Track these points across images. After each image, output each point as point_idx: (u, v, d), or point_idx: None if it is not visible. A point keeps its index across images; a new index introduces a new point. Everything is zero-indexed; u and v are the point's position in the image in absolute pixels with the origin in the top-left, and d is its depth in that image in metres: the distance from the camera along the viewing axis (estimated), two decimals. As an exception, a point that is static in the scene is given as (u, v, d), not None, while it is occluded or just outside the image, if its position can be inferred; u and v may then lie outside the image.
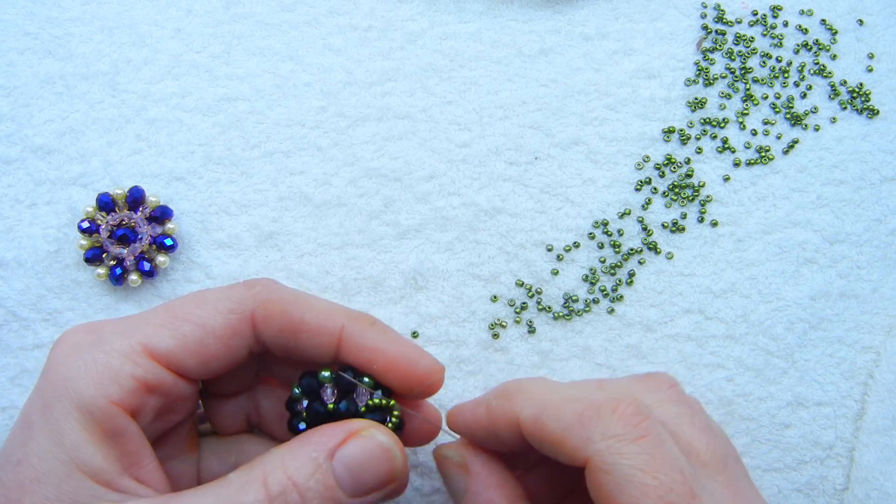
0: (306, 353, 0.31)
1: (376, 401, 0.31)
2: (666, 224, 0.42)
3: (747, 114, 0.43)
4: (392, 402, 0.31)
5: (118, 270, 0.39)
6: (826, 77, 0.43)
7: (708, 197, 0.42)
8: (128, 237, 0.39)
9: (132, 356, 0.29)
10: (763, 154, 0.42)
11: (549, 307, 0.41)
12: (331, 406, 0.31)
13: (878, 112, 0.43)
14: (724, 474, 0.29)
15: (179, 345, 0.30)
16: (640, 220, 0.42)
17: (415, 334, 0.40)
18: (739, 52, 0.43)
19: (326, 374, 0.31)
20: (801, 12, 0.44)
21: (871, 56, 0.44)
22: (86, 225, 0.39)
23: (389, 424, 0.31)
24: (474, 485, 0.31)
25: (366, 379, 0.31)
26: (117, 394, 0.28)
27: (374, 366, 0.31)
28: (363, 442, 0.29)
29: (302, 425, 0.31)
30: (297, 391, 0.31)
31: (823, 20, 0.44)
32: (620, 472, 0.27)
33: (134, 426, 0.29)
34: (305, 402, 0.31)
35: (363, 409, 0.31)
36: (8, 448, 0.29)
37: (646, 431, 0.28)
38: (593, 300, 0.41)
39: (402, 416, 0.32)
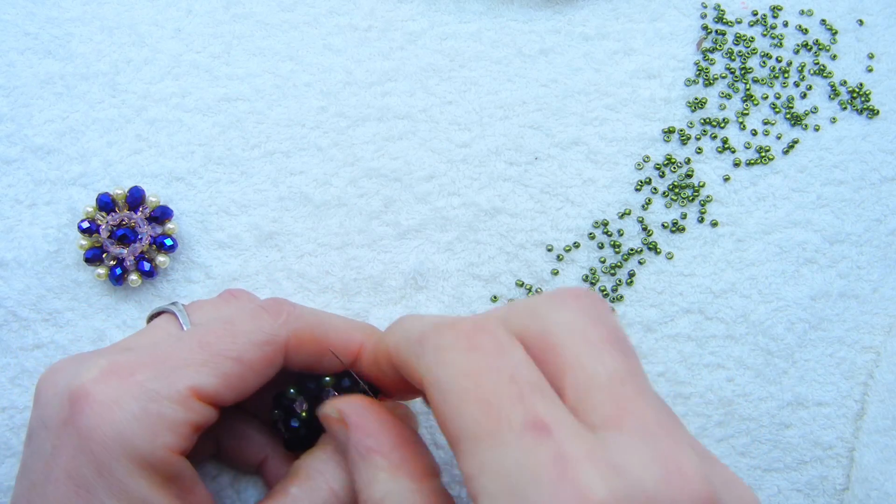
0: (325, 369, 0.33)
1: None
2: (666, 224, 0.42)
3: (747, 114, 0.43)
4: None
5: (118, 270, 0.39)
6: (826, 77, 0.43)
7: (708, 197, 0.42)
8: (128, 237, 0.39)
9: (183, 402, 0.29)
10: (763, 154, 0.42)
11: (549, 307, 0.41)
12: (303, 414, 0.33)
13: (878, 112, 0.43)
14: (609, 392, 0.24)
15: (223, 383, 0.30)
16: (640, 220, 0.42)
17: (415, 334, 0.40)
18: (739, 52, 0.43)
19: (292, 391, 0.33)
20: (801, 12, 0.44)
21: (871, 56, 0.44)
22: (86, 225, 0.39)
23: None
24: (354, 436, 0.29)
25: (326, 378, 0.33)
26: (174, 441, 0.29)
27: (390, 382, 0.32)
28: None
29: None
30: (275, 413, 0.34)
31: (823, 20, 0.44)
32: (444, 382, 0.25)
33: (189, 465, 0.29)
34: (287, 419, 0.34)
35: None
36: None
37: (480, 343, 0.25)
38: (593, 300, 0.41)
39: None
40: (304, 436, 0.33)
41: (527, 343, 0.26)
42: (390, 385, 0.31)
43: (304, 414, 0.33)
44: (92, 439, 0.28)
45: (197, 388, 0.29)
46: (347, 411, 0.29)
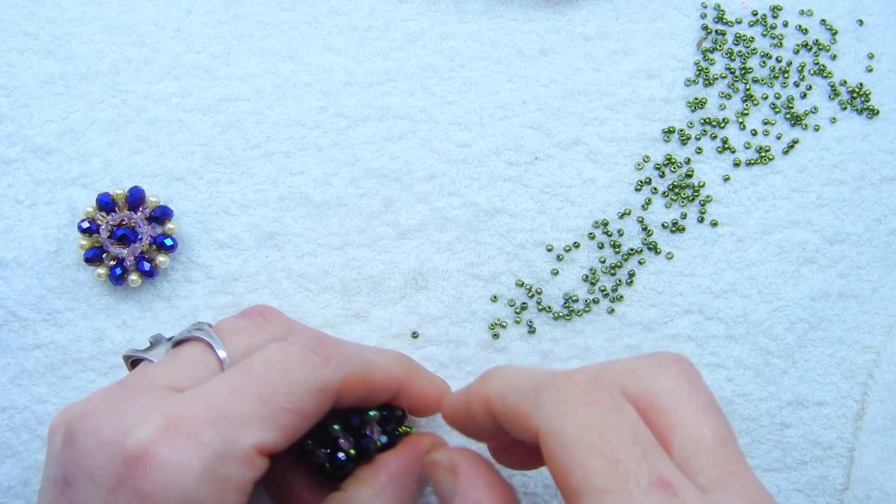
0: (367, 404, 0.34)
1: (402, 429, 0.35)
2: (666, 224, 0.42)
3: (747, 114, 0.43)
4: (402, 419, 0.36)
5: (118, 270, 0.39)
6: (826, 77, 0.43)
7: (708, 197, 0.42)
8: (128, 237, 0.39)
9: (249, 461, 0.28)
10: (763, 154, 0.42)
11: (549, 307, 0.41)
12: (353, 451, 0.33)
13: (878, 112, 0.43)
14: (716, 455, 0.26)
15: (283, 436, 0.29)
16: (640, 220, 0.42)
17: (415, 334, 0.40)
18: (739, 52, 0.43)
19: (336, 427, 0.33)
20: (801, 12, 0.44)
21: (871, 56, 0.44)
22: (86, 225, 0.39)
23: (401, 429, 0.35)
24: (463, 486, 0.30)
25: (371, 413, 0.34)
26: (238, 500, 0.28)
27: (416, 405, 0.35)
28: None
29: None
30: (309, 443, 0.33)
31: (823, 20, 0.44)
32: (567, 434, 0.25)
33: None
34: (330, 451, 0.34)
35: (384, 438, 0.34)
36: None
37: (600, 398, 0.26)
38: (593, 300, 0.41)
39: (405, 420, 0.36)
40: (350, 471, 0.33)
41: (632, 402, 0.27)
42: (480, 434, 0.32)
43: (353, 451, 0.33)
44: (149, 500, 0.27)
45: (261, 447, 0.29)
46: (460, 462, 0.31)
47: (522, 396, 0.27)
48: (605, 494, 0.24)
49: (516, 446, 0.32)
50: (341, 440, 0.33)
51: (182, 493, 0.27)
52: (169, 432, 0.27)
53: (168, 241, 0.39)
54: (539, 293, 0.41)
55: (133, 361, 0.34)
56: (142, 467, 0.27)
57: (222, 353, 0.31)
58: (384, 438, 0.34)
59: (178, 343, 0.32)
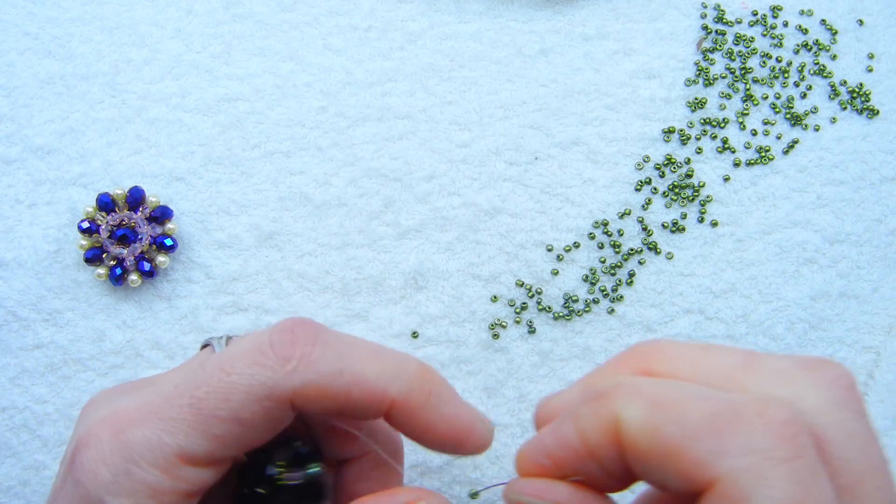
0: (347, 418, 0.29)
1: (309, 469, 0.29)
2: (666, 224, 0.42)
3: (747, 114, 0.43)
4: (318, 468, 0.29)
5: (118, 270, 0.39)
6: (826, 77, 0.43)
7: (708, 197, 0.42)
8: (128, 237, 0.39)
9: (169, 470, 0.26)
10: (763, 154, 0.42)
11: (549, 307, 0.41)
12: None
13: (878, 112, 0.43)
14: None
15: (216, 445, 0.26)
16: (640, 220, 0.42)
17: (415, 334, 0.40)
18: (739, 52, 0.43)
19: (277, 468, 0.29)
20: (801, 12, 0.44)
21: (871, 56, 0.44)
22: (86, 225, 0.39)
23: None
24: None
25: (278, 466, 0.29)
26: None
27: (421, 439, 0.28)
28: None
29: None
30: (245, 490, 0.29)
31: (823, 20, 0.44)
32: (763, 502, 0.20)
33: None
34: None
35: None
36: None
37: (801, 451, 0.20)
38: (593, 300, 0.41)
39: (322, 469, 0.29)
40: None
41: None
42: (589, 476, 0.25)
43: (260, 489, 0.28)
44: (79, 492, 0.26)
45: (187, 454, 0.26)
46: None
47: (691, 433, 0.21)
48: None
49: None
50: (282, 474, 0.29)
51: (99, 486, 0.26)
52: (104, 425, 0.27)
53: (168, 241, 0.39)
54: (539, 293, 0.41)
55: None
56: (79, 452, 0.27)
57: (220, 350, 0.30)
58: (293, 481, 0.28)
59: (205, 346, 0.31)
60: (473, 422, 0.28)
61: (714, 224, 0.42)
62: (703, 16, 0.44)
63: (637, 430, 0.22)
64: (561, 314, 0.41)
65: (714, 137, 0.43)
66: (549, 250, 0.41)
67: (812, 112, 0.43)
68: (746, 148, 0.42)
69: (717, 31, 0.44)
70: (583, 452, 0.24)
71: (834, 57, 0.44)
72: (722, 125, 0.43)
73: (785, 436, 0.20)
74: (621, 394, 0.23)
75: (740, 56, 0.43)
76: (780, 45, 0.44)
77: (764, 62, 0.43)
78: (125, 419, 0.27)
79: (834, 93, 0.43)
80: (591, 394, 0.24)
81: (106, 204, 0.39)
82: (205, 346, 0.32)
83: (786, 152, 0.42)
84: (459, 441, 0.28)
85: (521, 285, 0.41)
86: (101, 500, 0.26)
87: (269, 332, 0.27)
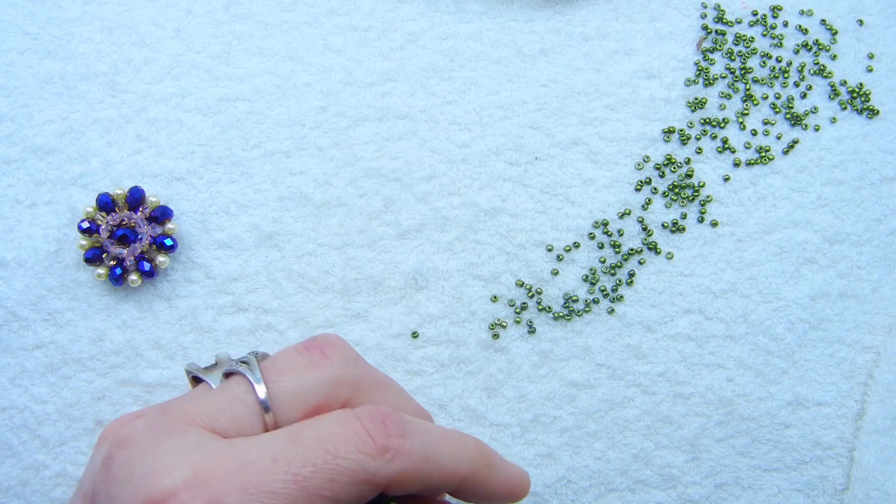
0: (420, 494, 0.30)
1: None
2: (666, 224, 0.42)
3: (747, 114, 0.43)
4: None
5: (118, 270, 0.39)
6: (826, 77, 0.43)
7: (708, 197, 0.42)
8: (128, 237, 0.39)
9: None
10: (763, 154, 0.42)
11: (550, 307, 0.41)
12: None
13: (878, 112, 0.43)
14: None
15: None
16: (640, 220, 0.42)
17: (415, 334, 0.40)
18: (739, 52, 0.43)
19: None
20: (801, 12, 0.44)
21: (871, 56, 0.44)
22: (86, 225, 0.39)
23: None
24: None
25: None
26: None
27: (480, 501, 0.32)
28: None
29: None
30: None
31: (823, 20, 0.44)
32: None
33: None
34: None
35: None
36: None
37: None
38: (593, 300, 0.41)
39: None
40: None
41: None
42: None
43: None
44: None
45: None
46: None
47: None
48: None
49: None
50: None
51: None
52: (193, 489, 0.26)
53: (168, 241, 0.39)
54: (539, 293, 0.41)
55: (193, 378, 0.32)
56: None
57: (262, 394, 0.29)
58: None
59: (229, 374, 0.31)
60: (520, 477, 0.32)
61: (714, 224, 0.42)
62: (703, 16, 0.44)
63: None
64: (561, 314, 0.41)
65: (714, 137, 0.43)
66: (549, 250, 0.41)
67: (812, 112, 0.43)
68: (746, 148, 0.42)
69: (717, 31, 0.44)
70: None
71: (834, 57, 0.44)
72: (722, 125, 0.43)
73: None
74: None
75: (740, 56, 0.43)
76: (780, 45, 0.44)
77: (764, 62, 0.43)
78: (216, 485, 0.26)
79: (834, 93, 0.43)
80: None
81: (106, 204, 0.39)
82: (192, 376, 0.31)
83: (786, 152, 0.42)
84: (514, 496, 0.32)
85: (521, 285, 0.41)
86: None
87: (359, 418, 0.28)
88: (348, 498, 0.27)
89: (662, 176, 0.42)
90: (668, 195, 0.42)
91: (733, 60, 0.43)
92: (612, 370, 0.40)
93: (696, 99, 0.43)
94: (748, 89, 0.43)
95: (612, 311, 0.41)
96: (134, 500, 0.27)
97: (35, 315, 0.39)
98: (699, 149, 0.42)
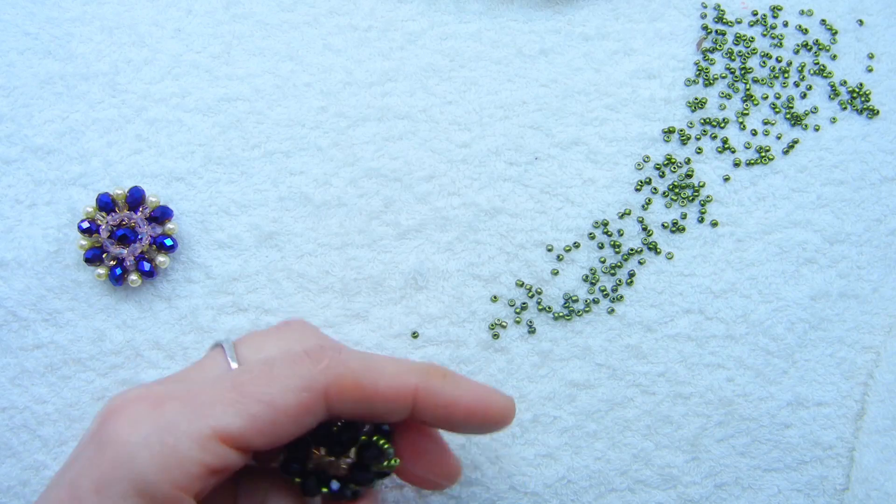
0: (380, 418, 0.31)
1: (386, 464, 0.31)
2: (666, 224, 0.42)
3: (747, 114, 0.43)
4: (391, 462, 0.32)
5: (118, 270, 0.39)
6: (826, 77, 0.43)
7: (708, 197, 0.42)
8: (128, 237, 0.39)
9: (202, 441, 0.27)
10: (763, 154, 0.42)
11: (550, 307, 0.41)
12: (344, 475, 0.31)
13: (878, 112, 0.43)
14: None
15: (250, 426, 0.28)
16: (640, 220, 0.42)
17: (415, 334, 0.40)
18: (739, 52, 0.43)
19: (325, 453, 0.31)
20: (801, 12, 0.44)
21: (871, 56, 0.44)
22: (86, 225, 0.39)
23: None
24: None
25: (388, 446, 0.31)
26: (184, 480, 0.27)
27: (451, 418, 0.31)
28: None
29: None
30: (294, 466, 0.31)
31: (823, 20, 0.44)
32: None
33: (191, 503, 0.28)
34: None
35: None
36: None
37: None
38: (593, 300, 0.41)
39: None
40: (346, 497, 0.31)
41: None
42: None
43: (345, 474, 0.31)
44: (105, 455, 0.28)
45: (221, 430, 0.28)
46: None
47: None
48: None
49: None
50: (330, 465, 0.31)
51: (128, 451, 0.27)
52: (141, 398, 0.29)
53: (168, 241, 0.39)
54: (539, 293, 0.41)
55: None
56: (108, 420, 0.28)
57: (231, 355, 0.32)
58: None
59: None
60: (491, 391, 0.31)
61: (714, 224, 0.42)
62: (703, 16, 0.44)
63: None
64: (561, 314, 0.41)
65: (714, 137, 0.43)
66: (549, 250, 0.41)
67: (812, 112, 0.43)
68: (746, 148, 0.42)
69: (717, 31, 0.44)
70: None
71: (834, 57, 0.44)
72: (722, 125, 0.43)
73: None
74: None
75: (740, 56, 0.43)
76: (780, 45, 0.44)
77: (764, 62, 0.43)
78: (163, 395, 0.29)
79: (834, 93, 0.43)
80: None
81: (106, 204, 0.39)
82: (216, 345, 0.33)
83: (786, 152, 0.42)
84: (484, 409, 0.31)
85: (521, 285, 0.41)
86: (130, 462, 0.27)
87: (305, 342, 0.32)
88: (286, 405, 0.29)
89: (662, 176, 0.42)
90: (668, 195, 0.42)
91: (733, 60, 0.43)
92: (612, 370, 0.40)
93: (696, 99, 0.43)
94: (748, 89, 0.43)
95: (612, 311, 0.41)
96: (97, 418, 0.29)
97: (35, 315, 0.39)
98: (699, 149, 0.42)
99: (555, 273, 0.41)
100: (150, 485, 0.27)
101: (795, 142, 0.42)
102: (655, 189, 0.42)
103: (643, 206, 0.42)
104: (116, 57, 0.42)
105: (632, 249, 0.41)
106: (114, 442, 0.28)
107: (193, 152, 0.41)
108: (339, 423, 0.31)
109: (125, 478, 0.27)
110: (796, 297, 0.41)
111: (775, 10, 0.44)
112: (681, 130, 0.42)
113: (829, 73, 0.43)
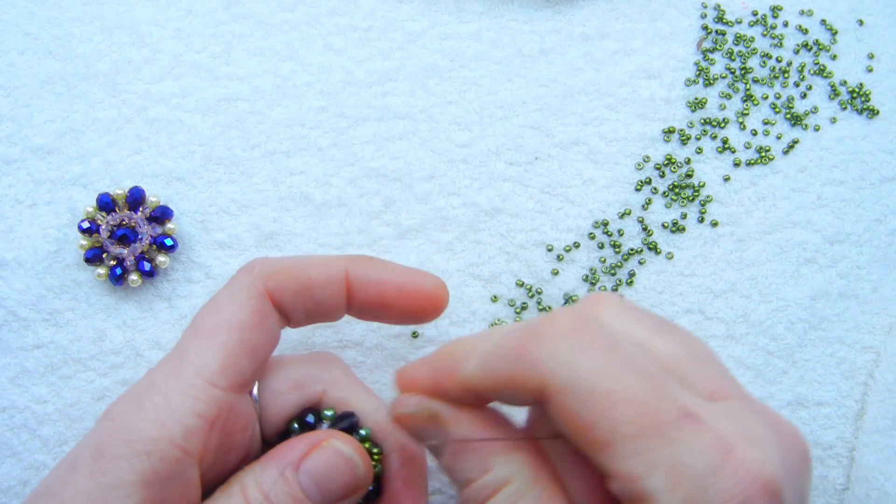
0: (323, 308, 0.32)
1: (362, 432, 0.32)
2: (666, 224, 0.42)
3: (747, 114, 0.43)
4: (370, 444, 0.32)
5: (118, 270, 0.39)
6: (826, 77, 0.43)
7: (708, 197, 0.42)
8: (128, 237, 0.39)
9: (189, 390, 0.29)
10: (763, 154, 0.42)
11: (550, 307, 0.41)
12: None
13: (878, 112, 0.43)
14: (695, 367, 0.25)
15: (227, 356, 0.30)
16: (641, 220, 0.42)
17: (415, 334, 0.40)
18: (739, 52, 0.43)
19: (296, 426, 0.32)
20: (801, 12, 0.44)
21: (871, 56, 0.44)
22: (86, 225, 0.39)
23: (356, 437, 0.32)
24: (456, 429, 0.27)
25: (327, 413, 0.32)
26: (181, 435, 0.28)
27: (383, 298, 0.32)
28: (325, 453, 0.30)
29: None
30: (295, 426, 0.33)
31: (823, 20, 0.44)
32: (582, 386, 0.24)
33: (193, 471, 0.29)
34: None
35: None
36: (48, 482, 0.29)
37: (593, 337, 0.24)
38: (593, 300, 0.41)
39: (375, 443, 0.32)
40: None
41: None
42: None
43: None
44: (101, 426, 0.29)
45: (204, 371, 0.29)
46: (438, 406, 0.28)
47: (512, 364, 0.25)
48: (639, 439, 0.23)
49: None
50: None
51: (125, 419, 0.29)
52: (147, 378, 0.31)
53: (168, 241, 0.39)
54: (539, 293, 0.41)
55: None
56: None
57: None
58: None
59: None
60: (420, 272, 0.33)
61: (714, 224, 0.42)
62: (703, 16, 0.44)
63: (478, 379, 0.26)
64: (561, 314, 0.40)
65: (714, 137, 0.43)
66: (549, 250, 0.41)
67: (812, 112, 0.43)
68: (746, 148, 0.42)
69: (717, 31, 0.44)
70: (436, 391, 0.28)
71: (834, 57, 0.44)
72: (722, 125, 0.43)
73: (577, 332, 0.25)
74: (457, 357, 0.27)
75: (740, 56, 0.43)
76: (780, 45, 0.44)
77: (764, 62, 0.43)
78: (149, 372, 0.30)
79: (834, 93, 0.43)
80: (437, 363, 0.28)
81: (106, 204, 0.39)
82: None
83: (786, 152, 0.42)
84: (415, 286, 0.32)
85: (521, 285, 0.41)
86: (126, 425, 0.28)
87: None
88: (242, 319, 0.30)
89: (662, 176, 0.42)
90: (668, 195, 0.42)
91: (733, 60, 0.43)
92: (612, 370, 0.40)
93: (696, 99, 0.43)
94: (748, 89, 0.43)
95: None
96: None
97: (35, 315, 0.39)
98: (699, 149, 0.42)
99: (555, 273, 0.41)
100: (147, 443, 0.27)
101: (795, 142, 0.42)
102: (655, 189, 0.42)
103: (643, 206, 0.42)
104: (116, 57, 0.42)
105: (632, 249, 0.41)
106: (111, 414, 0.29)
107: (193, 152, 0.41)
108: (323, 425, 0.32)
109: (122, 440, 0.27)
110: (796, 297, 0.41)
111: (775, 10, 0.44)
112: (681, 130, 0.42)
113: (829, 73, 0.43)
